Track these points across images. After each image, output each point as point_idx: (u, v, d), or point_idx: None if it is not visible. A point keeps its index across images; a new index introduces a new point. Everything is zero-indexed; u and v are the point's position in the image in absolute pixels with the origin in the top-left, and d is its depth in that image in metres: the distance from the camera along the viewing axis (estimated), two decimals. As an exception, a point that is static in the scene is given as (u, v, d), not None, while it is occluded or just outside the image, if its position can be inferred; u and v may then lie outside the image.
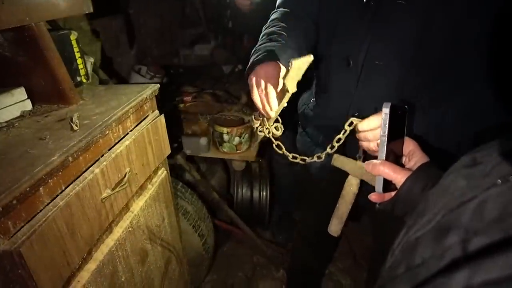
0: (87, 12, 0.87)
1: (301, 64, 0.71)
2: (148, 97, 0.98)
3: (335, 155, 0.89)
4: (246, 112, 1.85)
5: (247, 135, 1.75)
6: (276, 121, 0.84)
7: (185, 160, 1.63)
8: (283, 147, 0.88)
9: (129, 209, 0.93)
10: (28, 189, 0.56)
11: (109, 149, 0.82)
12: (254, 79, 0.79)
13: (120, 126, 0.86)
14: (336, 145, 0.85)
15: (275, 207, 2.25)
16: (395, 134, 0.66)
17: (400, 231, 0.35)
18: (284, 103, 0.79)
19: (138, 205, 0.95)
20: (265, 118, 0.83)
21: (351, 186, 0.86)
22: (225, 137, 1.72)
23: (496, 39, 0.72)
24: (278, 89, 0.78)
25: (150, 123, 0.98)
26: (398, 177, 0.63)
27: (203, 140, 1.76)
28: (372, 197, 0.69)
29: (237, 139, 1.73)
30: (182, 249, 1.31)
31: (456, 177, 0.32)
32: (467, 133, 0.83)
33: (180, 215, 1.39)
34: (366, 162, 0.68)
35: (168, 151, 1.11)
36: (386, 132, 0.65)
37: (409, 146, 0.69)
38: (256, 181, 2.01)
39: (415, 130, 0.85)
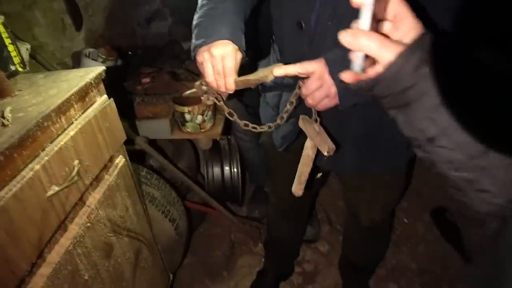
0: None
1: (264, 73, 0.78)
2: (93, 82, 0.90)
3: (301, 116, 0.89)
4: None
5: (210, 112, 1.69)
6: None
7: (148, 144, 1.55)
8: (234, 114, 0.86)
9: (85, 203, 0.86)
10: (-50, 197, 0.50)
11: (51, 142, 0.74)
12: (208, 60, 0.78)
13: (62, 116, 0.79)
14: (285, 116, 0.86)
15: (247, 183, 2.23)
16: None
17: None
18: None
19: (95, 198, 0.89)
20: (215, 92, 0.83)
21: (307, 149, 0.87)
22: (187, 116, 1.65)
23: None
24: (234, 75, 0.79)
25: (98, 109, 0.91)
26: (387, 54, 0.47)
27: (164, 122, 1.69)
28: (345, 76, 0.52)
29: (200, 117, 1.66)
30: (153, 236, 1.27)
31: None
32: None
33: (147, 202, 1.33)
34: (344, 31, 0.50)
35: (123, 137, 1.05)
36: None
37: (396, 7, 0.49)
38: (226, 158, 1.97)
39: None
